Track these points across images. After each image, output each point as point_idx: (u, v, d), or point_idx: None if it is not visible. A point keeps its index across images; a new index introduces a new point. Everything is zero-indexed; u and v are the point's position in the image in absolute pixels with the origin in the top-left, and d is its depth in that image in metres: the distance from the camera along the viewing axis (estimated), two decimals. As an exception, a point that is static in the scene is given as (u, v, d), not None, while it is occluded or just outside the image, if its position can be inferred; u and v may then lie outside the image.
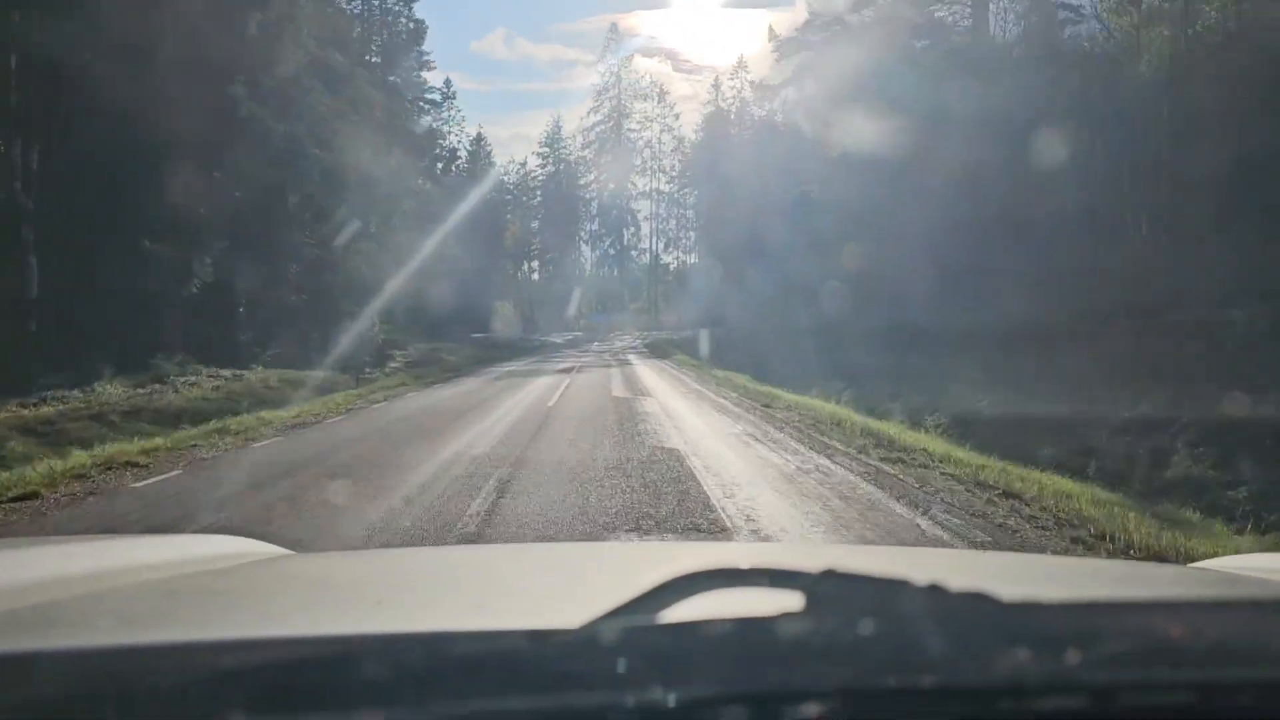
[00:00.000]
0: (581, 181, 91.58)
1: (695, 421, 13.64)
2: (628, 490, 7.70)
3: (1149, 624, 0.74)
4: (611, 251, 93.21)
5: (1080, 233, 19.25)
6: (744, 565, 0.77)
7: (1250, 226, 15.18)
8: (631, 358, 41.13)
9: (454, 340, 43.47)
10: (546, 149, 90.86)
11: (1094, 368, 16.44)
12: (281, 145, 25.41)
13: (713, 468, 8.99)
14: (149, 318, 20.75)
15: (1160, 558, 6.20)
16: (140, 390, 17.06)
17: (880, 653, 0.65)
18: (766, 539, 6.19)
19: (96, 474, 8.74)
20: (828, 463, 9.51)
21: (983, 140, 21.21)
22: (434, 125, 61.90)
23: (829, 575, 0.73)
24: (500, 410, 15.29)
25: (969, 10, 31.61)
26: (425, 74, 58.53)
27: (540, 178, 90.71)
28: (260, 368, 22.73)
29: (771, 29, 51.53)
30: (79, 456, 9.41)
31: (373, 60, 49.28)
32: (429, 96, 60.67)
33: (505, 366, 32.14)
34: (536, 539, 6.17)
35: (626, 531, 6.39)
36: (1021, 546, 6.24)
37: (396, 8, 53.17)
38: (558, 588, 1.49)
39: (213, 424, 12.72)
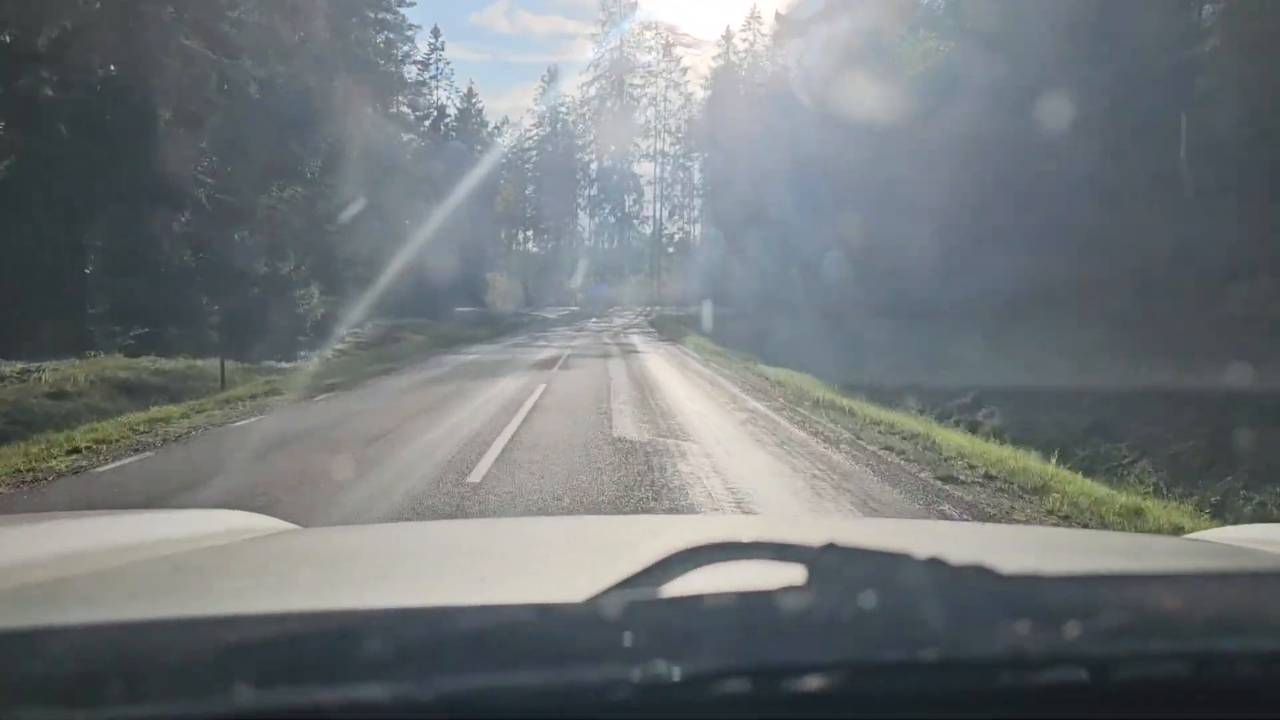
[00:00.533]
0: (580, 142, 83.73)
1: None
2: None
3: (1148, 596, 0.75)
4: (612, 219, 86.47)
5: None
6: (746, 538, 0.78)
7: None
8: (636, 340, 34.93)
9: (432, 315, 39.26)
10: (542, 107, 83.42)
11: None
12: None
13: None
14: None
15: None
16: None
17: (882, 626, 0.66)
18: None
19: None
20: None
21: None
22: (421, 78, 58.46)
23: (830, 548, 0.73)
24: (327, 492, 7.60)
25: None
26: (403, 10, 52.32)
27: (535, 138, 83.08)
28: (111, 354, 16.71)
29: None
30: None
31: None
32: (407, 33, 55.06)
33: (470, 353, 25.63)
34: None
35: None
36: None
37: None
38: (561, 561, 1.50)
39: None
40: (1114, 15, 19.02)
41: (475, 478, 7.87)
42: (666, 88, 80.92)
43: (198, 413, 12.81)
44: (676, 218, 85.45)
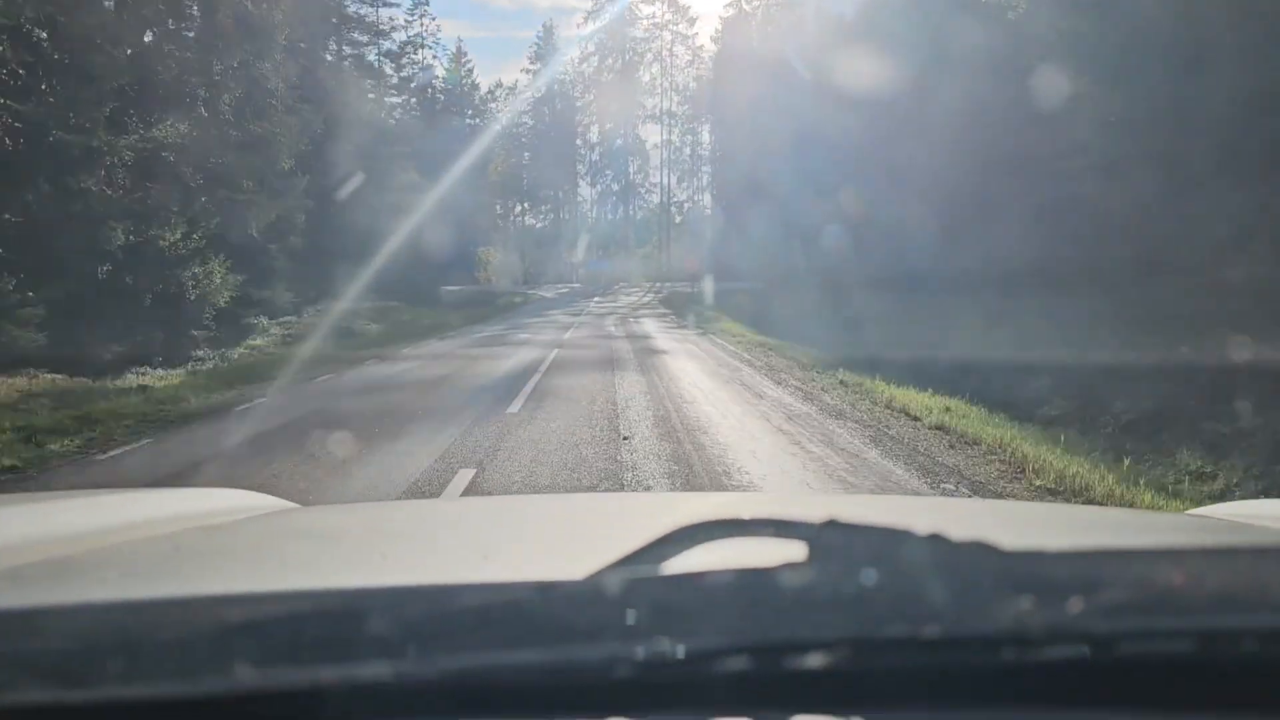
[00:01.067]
0: (579, 103, 74.81)
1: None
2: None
3: (1151, 572, 0.75)
4: (615, 186, 78.06)
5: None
6: (746, 515, 0.78)
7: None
8: (651, 328, 26.94)
9: (414, 296, 33.16)
10: (538, 65, 74.63)
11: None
12: None
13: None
14: None
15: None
16: None
17: (883, 603, 0.66)
18: None
19: None
20: None
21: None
22: (404, 32, 52.53)
23: (831, 525, 0.73)
24: None
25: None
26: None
27: (531, 99, 74.05)
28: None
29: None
30: None
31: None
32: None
33: (404, 361, 17.27)
34: None
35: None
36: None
37: None
38: (562, 539, 1.50)
39: None
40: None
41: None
42: (673, 41, 73.27)
43: None
44: (685, 185, 77.75)
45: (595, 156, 78.11)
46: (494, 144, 63.10)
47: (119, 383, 13.73)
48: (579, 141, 76.97)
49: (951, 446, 8.45)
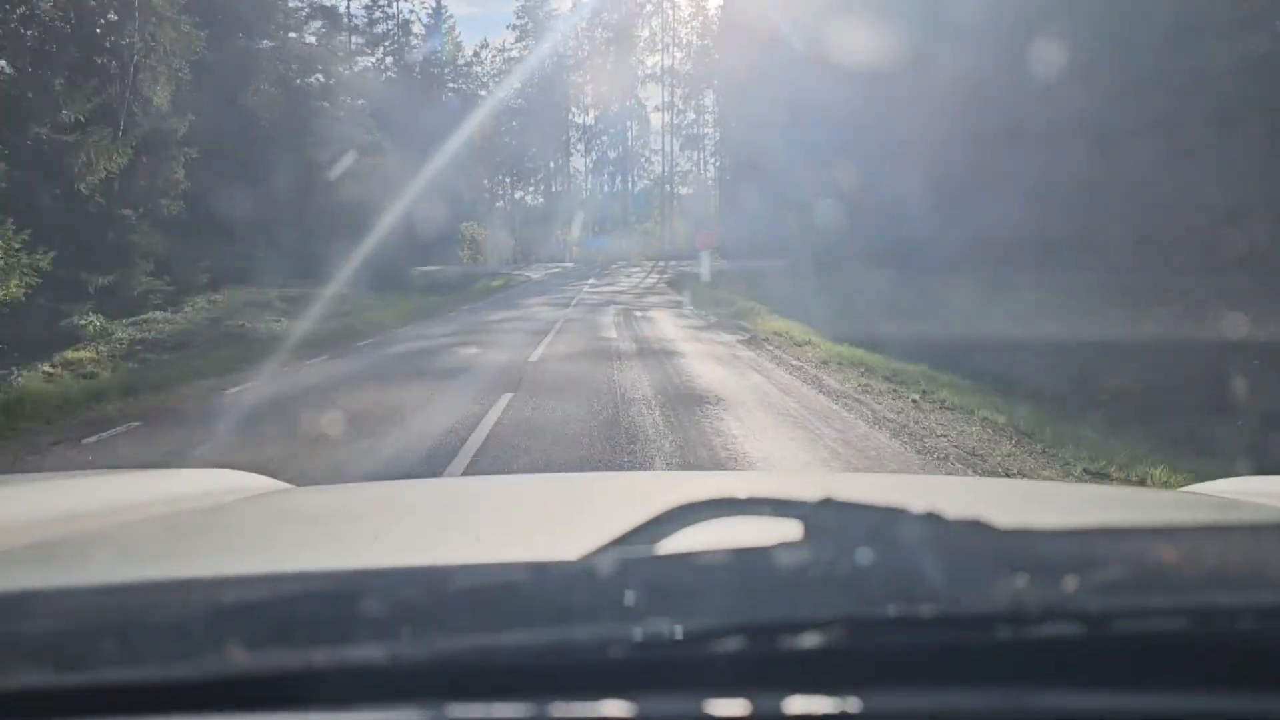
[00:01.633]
0: (571, 62, 67.51)
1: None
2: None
3: (1146, 549, 0.75)
4: (612, 154, 71.00)
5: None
6: (741, 495, 0.77)
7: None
8: (670, 330, 18.70)
9: (373, 282, 26.43)
10: (524, 19, 67.63)
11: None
12: None
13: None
14: None
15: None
16: None
17: (879, 582, 0.66)
18: None
19: None
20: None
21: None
22: None
23: (826, 504, 0.73)
24: None
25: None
26: None
27: (518, 54, 67.32)
28: None
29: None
30: None
31: None
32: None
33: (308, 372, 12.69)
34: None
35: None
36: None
37: None
38: (556, 519, 1.50)
39: None
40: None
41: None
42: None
43: None
44: (689, 154, 69.71)
45: (589, 121, 70.36)
46: (477, 110, 56.41)
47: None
48: (572, 108, 69.67)
49: None
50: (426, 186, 31.80)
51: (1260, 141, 14.73)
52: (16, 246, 12.87)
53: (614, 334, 17.77)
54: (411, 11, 56.48)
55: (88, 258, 15.95)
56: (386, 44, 51.46)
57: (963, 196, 21.91)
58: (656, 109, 68.26)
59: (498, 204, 71.12)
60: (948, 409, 9.21)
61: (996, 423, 8.41)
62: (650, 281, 39.07)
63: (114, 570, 1.03)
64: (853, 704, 0.63)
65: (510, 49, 68.02)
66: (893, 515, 0.71)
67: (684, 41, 66.43)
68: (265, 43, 26.94)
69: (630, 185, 73.26)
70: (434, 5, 57.25)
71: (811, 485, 1.85)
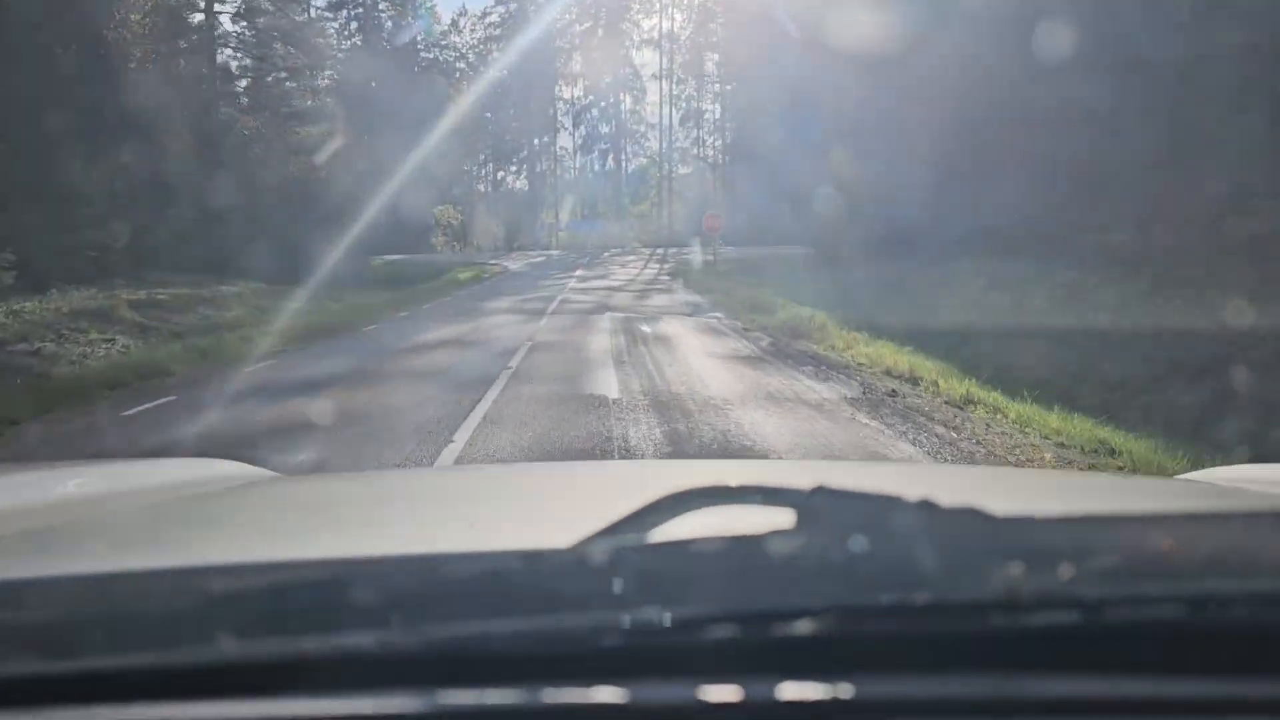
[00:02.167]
0: (558, 25, 60.33)
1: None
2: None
3: (1141, 537, 0.75)
4: (603, 129, 64.24)
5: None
6: (734, 483, 0.77)
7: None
8: (710, 366, 10.59)
9: (292, 274, 20.62)
10: None
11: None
12: None
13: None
14: None
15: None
16: None
17: (873, 569, 0.66)
18: None
19: None
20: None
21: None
22: None
23: (820, 492, 0.72)
24: None
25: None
26: None
27: (496, 22, 61.40)
28: None
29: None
30: None
31: None
32: None
33: None
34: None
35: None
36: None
37: None
38: (548, 508, 1.50)
39: None
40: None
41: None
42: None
43: None
44: (689, 127, 63.13)
45: (579, 93, 62.94)
46: (455, 84, 52.24)
47: None
48: (560, 80, 62.59)
49: None
50: (394, 166, 28.09)
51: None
52: None
53: (613, 384, 9.27)
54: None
55: None
56: (351, 6, 47.06)
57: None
58: (654, 76, 60.79)
59: (478, 186, 65.89)
60: None
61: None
62: (651, 274, 31.82)
63: (104, 559, 1.03)
64: (845, 690, 0.63)
65: (490, 13, 62.17)
66: (887, 503, 0.71)
67: (684, 1, 60.02)
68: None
69: (624, 164, 66.07)
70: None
71: (805, 473, 1.85)
